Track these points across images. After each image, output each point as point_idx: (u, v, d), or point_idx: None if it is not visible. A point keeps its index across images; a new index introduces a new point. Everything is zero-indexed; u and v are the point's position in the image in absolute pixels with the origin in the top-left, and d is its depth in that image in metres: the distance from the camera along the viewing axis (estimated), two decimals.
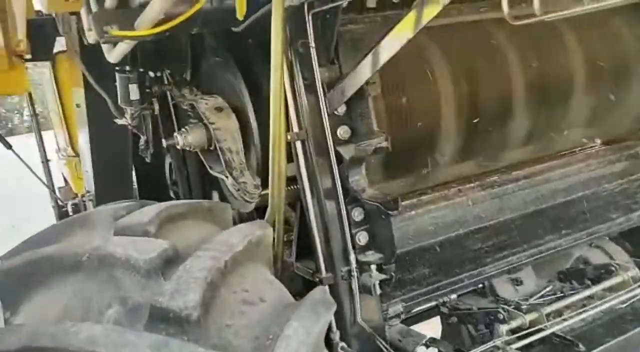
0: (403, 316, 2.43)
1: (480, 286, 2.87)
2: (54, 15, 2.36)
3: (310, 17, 2.10)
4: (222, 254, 1.47)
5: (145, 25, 1.40)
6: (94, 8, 1.45)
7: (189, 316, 1.26)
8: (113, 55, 1.73)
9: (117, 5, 1.43)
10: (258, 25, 2.25)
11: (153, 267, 1.42)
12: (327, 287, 2.00)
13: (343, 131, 2.20)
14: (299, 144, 2.19)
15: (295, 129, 2.18)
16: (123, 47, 1.66)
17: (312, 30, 2.10)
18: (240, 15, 1.41)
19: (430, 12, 1.66)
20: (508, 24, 2.68)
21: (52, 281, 1.54)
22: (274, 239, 2.04)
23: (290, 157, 2.21)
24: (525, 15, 1.61)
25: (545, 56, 2.75)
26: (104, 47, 1.68)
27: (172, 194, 3.67)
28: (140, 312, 1.34)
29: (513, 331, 2.47)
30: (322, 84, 2.16)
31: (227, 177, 2.47)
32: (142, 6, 1.40)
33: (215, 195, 3.38)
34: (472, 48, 2.64)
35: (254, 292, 1.49)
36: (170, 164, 3.55)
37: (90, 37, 1.52)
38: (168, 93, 2.90)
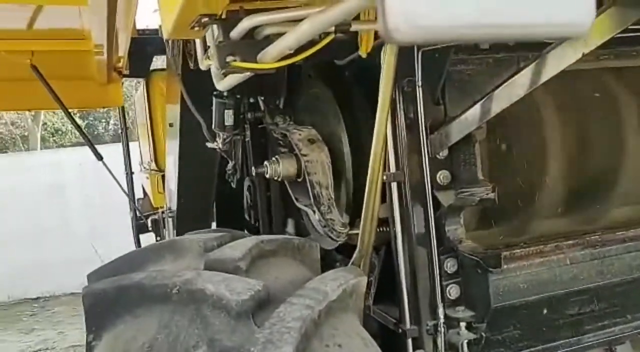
0: None
1: None
2: (164, 38, 2.40)
3: (420, 55, 2.01)
4: (316, 303, 1.37)
5: (269, 58, 1.35)
6: (218, 38, 1.42)
7: None
8: (224, 84, 1.71)
9: (242, 36, 1.39)
10: (359, 59, 2.19)
11: (245, 310, 1.34)
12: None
13: (443, 176, 2.08)
14: (394, 186, 2.09)
15: (393, 169, 2.08)
16: (236, 78, 1.63)
17: (420, 69, 2.01)
18: (364, 52, 1.33)
19: (561, 62, 1.53)
20: (628, 75, 2.52)
21: (138, 310, 1.50)
22: None
23: (383, 198, 2.11)
24: None
25: None
26: (216, 76, 1.66)
27: (247, 217, 3.65)
28: None
29: None
30: (425, 125, 2.06)
31: (314, 212, 2.39)
32: (267, 38, 1.36)
33: (291, 223, 3.32)
34: (586, 98, 2.47)
35: (347, 349, 1.38)
36: (249, 188, 3.53)
37: (204, 65, 1.50)
38: (261, 120, 2.88)
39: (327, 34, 1.39)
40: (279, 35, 1.28)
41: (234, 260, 1.57)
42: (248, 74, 1.56)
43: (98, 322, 1.56)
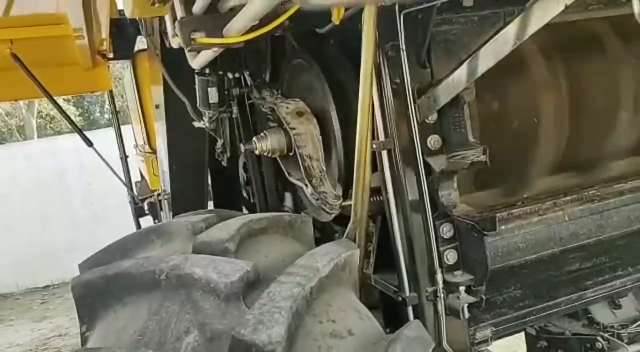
0: (491, 342, 2.25)
1: None
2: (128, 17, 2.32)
3: (401, 18, 1.94)
4: (307, 280, 1.34)
5: (234, 32, 1.29)
6: (180, 13, 1.36)
7: (273, 351, 1.15)
8: (197, 61, 1.65)
9: (205, 10, 1.33)
10: (340, 26, 2.12)
11: (234, 291, 1.32)
12: (416, 320, 1.84)
13: (434, 141, 2.04)
14: (384, 154, 2.05)
15: (382, 137, 2.04)
16: (207, 54, 1.57)
17: (403, 32, 1.95)
18: (336, 19, 1.28)
19: (546, 15, 1.47)
20: (618, 25, 2.45)
21: (128, 299, 1.47)
22: None
23: (375, 167, 2.07)
24: None
25: None
26: (188, 53, 1.60)
27: (244, 194, 3.62)
28: (219, 341, 1.24)
29: None
30: (412, 90, 2.00)
31: (306, 185, 2.36)
32: (232, 11, 1.30)
33: (289, 197, 3.30)
34: (577, 50, 2.40)
35: (341, 323, 1.36)
36: (244, 165, 3.49)
37: (174, 43, 1.44)
38: (247, 95, 2.82)
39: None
40: (243, 6, 1.22)
41: (222, 241, 1.54)
42: (218, 49, 1.50)
43: (89, 313, 1.54)
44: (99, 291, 1.52)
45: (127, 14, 1.38)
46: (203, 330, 1.28)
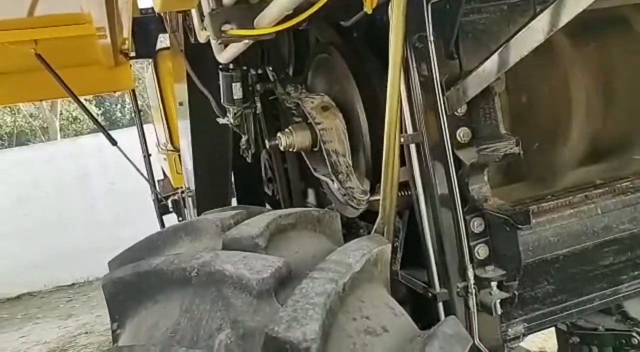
0: (524, 338, 2.20)
1: None
2: (161, 13, 2.32)
3: (429, 8, 1.90)
4: (339, 276, 1.32)
5: (266, 23, 1.27)
6: (211, 6, 1.34)
7: (308, 349, 1.12)
8: (224, 55, 1.63)
9: (235, 2, 1.31)
10: (365, 18, 2.09)
11: (266, 288, 1.30)
12: (453, 317, 1.80)
13: (463, 133, 1.99)
14: (413, 148, 2.01)
15: (410, 130, 2.00)
16: (236, 48, 1.55)
17: (431, 23, 1.91)
18: (369, 9, 1.25)
19: (581, 2, 1.42)
20: None
21: (159, 296, 1.47)
22: None
23: (403, 161, 2.04)
24: None
25: None
26: (215, 47, 1.59)
27: (267, 190, 3.61)
28: (253, 339, 1.23)
29: None
30: (440, 82, 1.96)
31: (332, 180, 2.33)
32: (262, 1, 1.28)
33: (311, 193, 3.28)
34: (610, 38, 2.34)
35: (375, 320, 1.33)
36: (266, 162, 3.48)
37: (202, 37, 1.42)
38: (271, 91, 2.80)
39: None
40: None
41: (252, 237, 1.52)
42: (247, 42, 1.48)
43: (120, 311, 1.54)
44: (130, 288, 1.52)
45: (156, 9, 1.37)
46: (235, 327, 1.26)
